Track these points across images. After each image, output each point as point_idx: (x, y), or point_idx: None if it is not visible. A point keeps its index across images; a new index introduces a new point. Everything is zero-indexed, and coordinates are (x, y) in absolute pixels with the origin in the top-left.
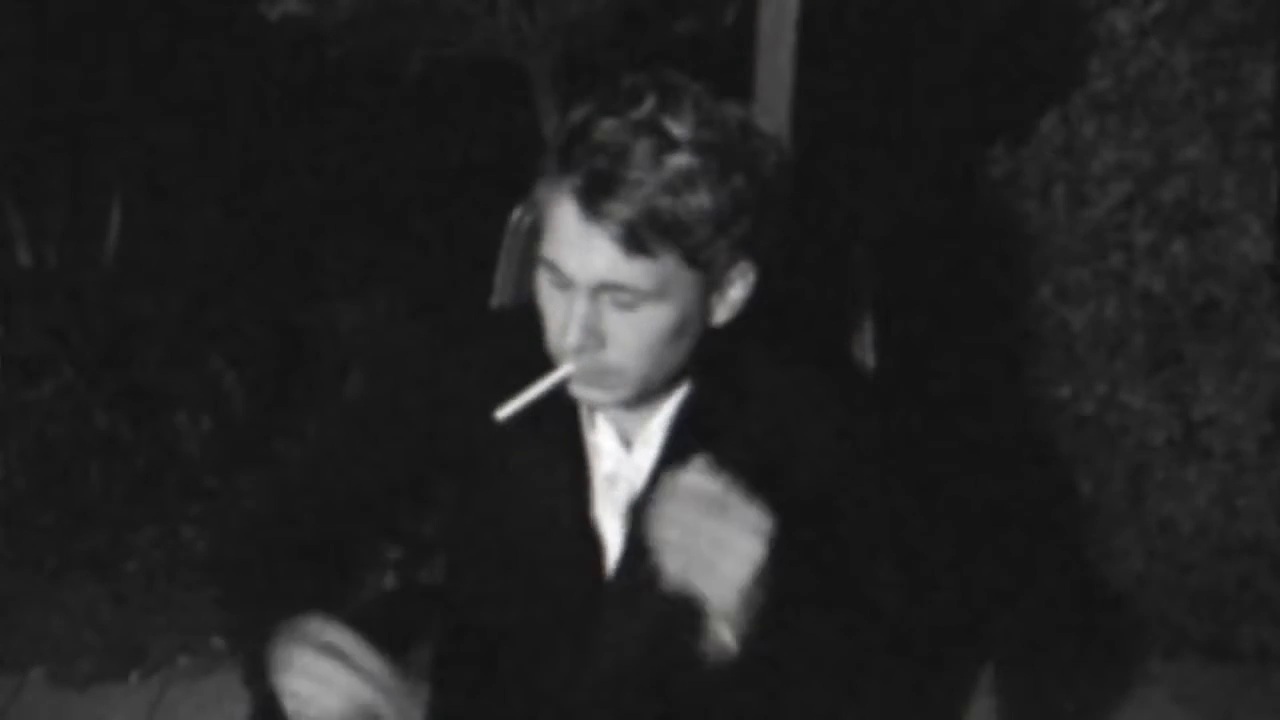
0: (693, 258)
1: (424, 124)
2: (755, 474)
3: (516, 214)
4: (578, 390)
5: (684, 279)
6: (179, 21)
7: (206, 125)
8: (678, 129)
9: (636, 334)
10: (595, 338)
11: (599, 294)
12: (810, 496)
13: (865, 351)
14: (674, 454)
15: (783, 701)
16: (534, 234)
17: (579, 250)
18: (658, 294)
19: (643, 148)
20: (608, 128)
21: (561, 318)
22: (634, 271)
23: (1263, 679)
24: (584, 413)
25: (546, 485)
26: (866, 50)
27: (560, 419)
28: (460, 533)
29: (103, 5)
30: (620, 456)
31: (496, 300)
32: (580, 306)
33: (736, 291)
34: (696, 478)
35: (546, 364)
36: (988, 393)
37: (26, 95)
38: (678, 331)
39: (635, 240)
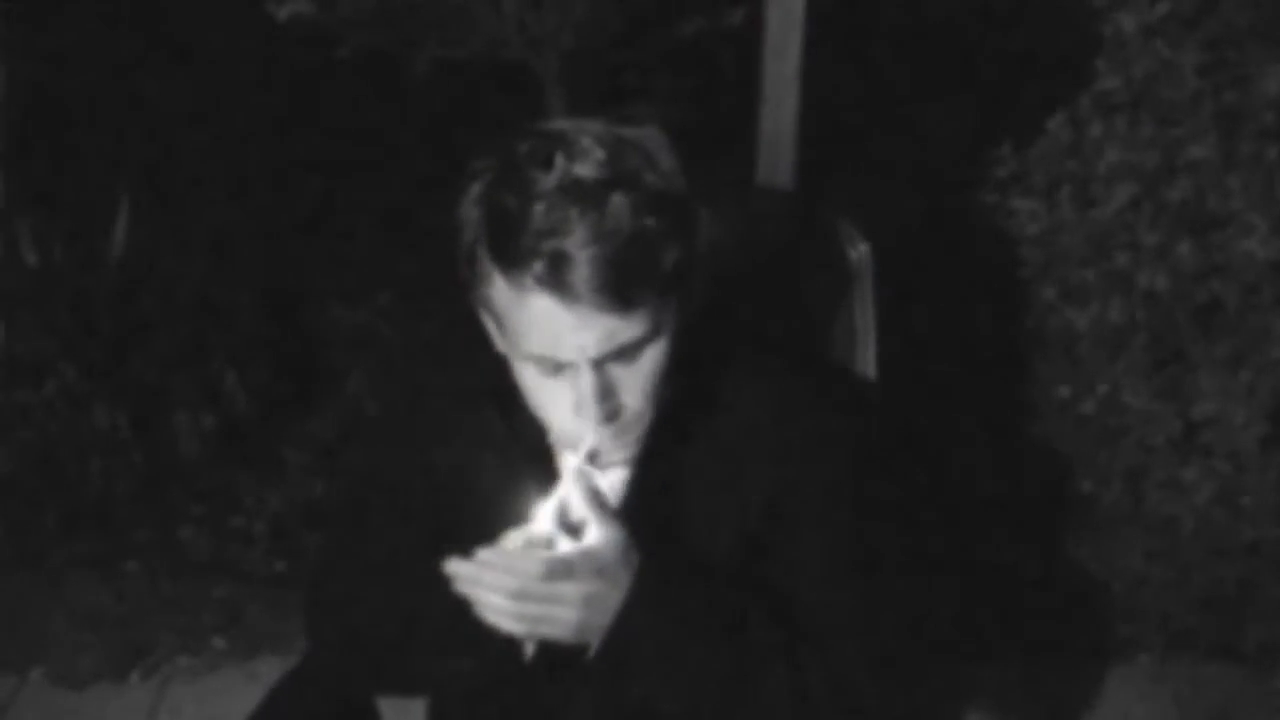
0: (668, 284)
1: (430, 123)
2: (718, 481)
3: None
4: (603, 459)
5: (666, 306)
6: (186, 21)
7: (213, 126)
8: (596, 172)
9: (646, 378)
10: (611, 403)
11: (601, 366)
12: (768, 504)
13: (867, 354)
14: (647, 468)
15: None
16: (489, 313)
17: (571, 335)
18: (654, 333)
19: (583, 210)
20: (539, 211)
21: (567, 401)
22: (632, 327)
23: (1263, 679)
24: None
25: (519, 508)
26: (873, 51)
27: (529, 443)
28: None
29: (108, 5)
30: (595, 474)
31: None
32: (588, 383)
33: (699, 289)
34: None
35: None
36: (989, 392)
37: (32, 95)
38: (672, 356)
39: (623, 299)
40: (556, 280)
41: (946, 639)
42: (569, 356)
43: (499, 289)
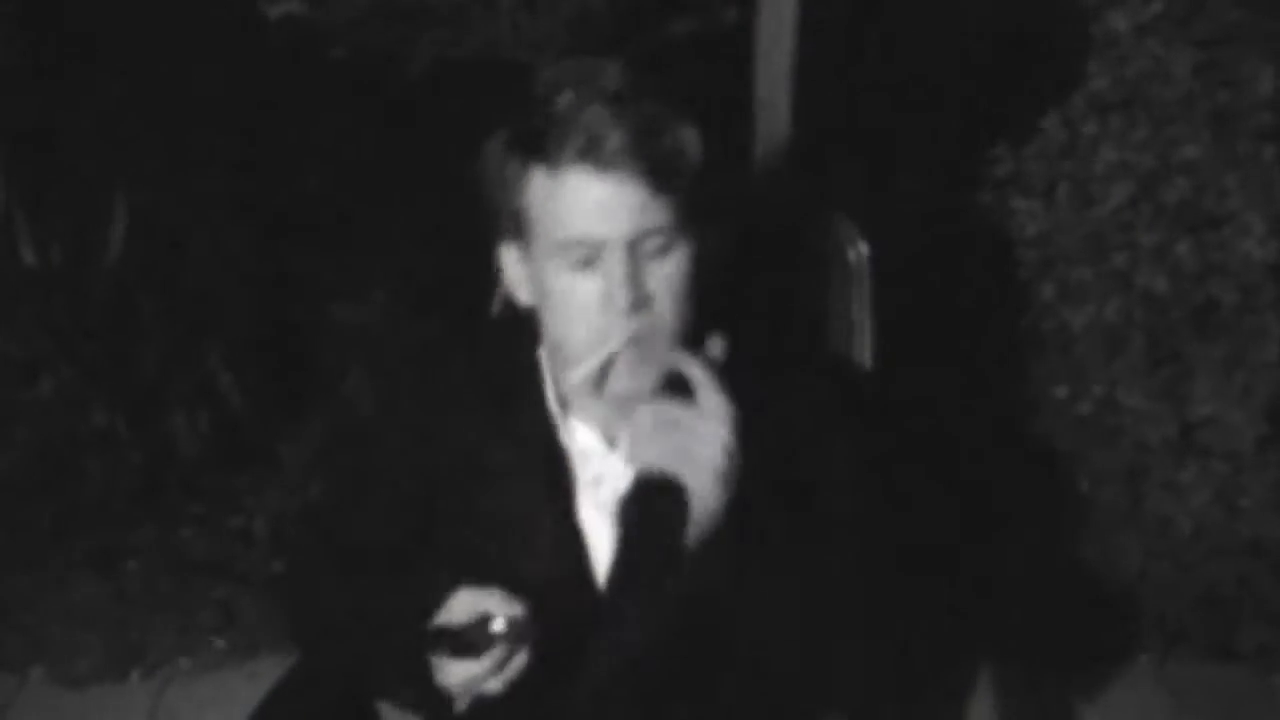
0: (693, 193)
1: (425, 124)
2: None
3: None
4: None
5: (692, 218)
6: (180, 21)
7: (209, 126)
8: (617, 82)
9: (673, 280)
10: (642, 294)
11: (633, 250)
12: (785, 476)
13: (863, 351)
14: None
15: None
16: (521, 235)
17: (608, 210)
18: (681, 229)
19: (611, 106)
20: (566, 103)
21: (596, 298)
22: (661, 211)
23: (1262, 679)
24: (558, 419)
25: (524, 496)
26: (866, 51)
27: (534, 428)
28: (445, 554)
29: (105, 5)
30: (603, 455)
31: (499, 299)
32: (620, 267)
33: (716, 246)
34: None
35: (520, 373)
36: (987, 393)
37: (30, 94)
38: (697, 278)
39: (656, 178)
40: (593, 153)
41: (945, 639)
42: (603, 232)
43: (535, 187)
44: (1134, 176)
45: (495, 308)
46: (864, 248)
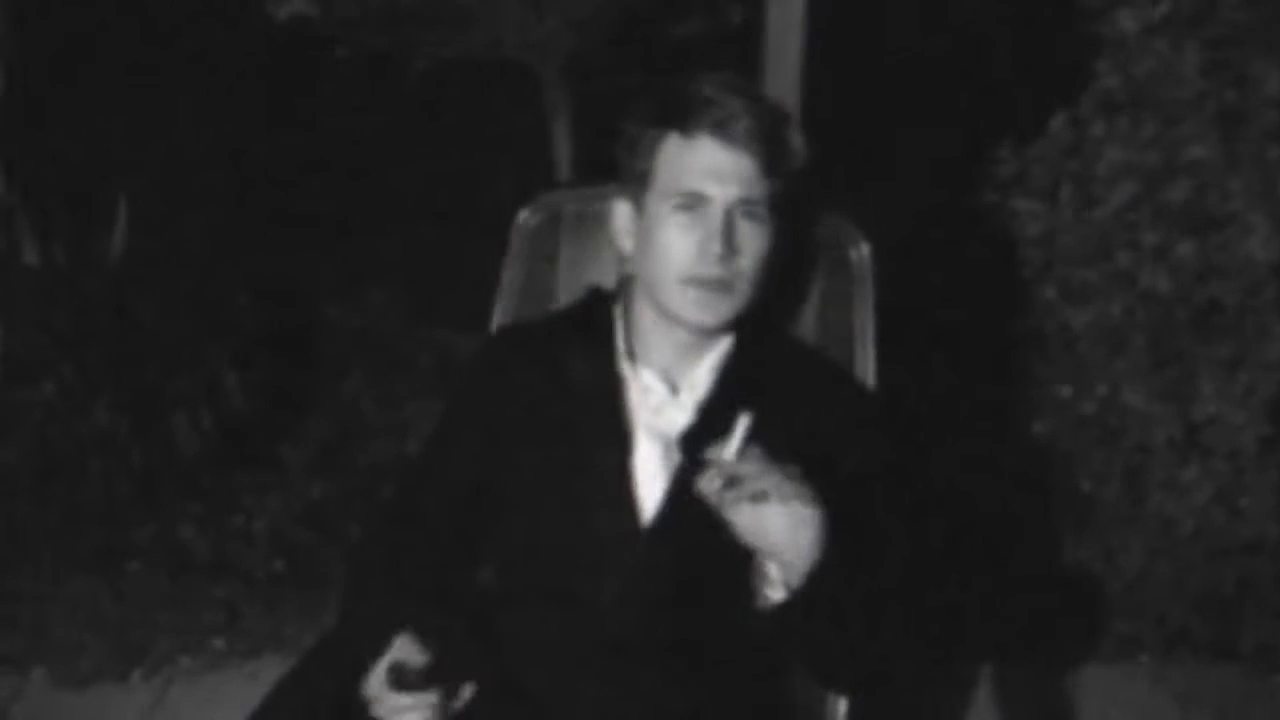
0: (785, 189)
1: (429, 123)
2: (789, 423)
3: (523, 214)
4: (701, 307)
5: (782, 208)
6: (187, 22)
7: (212, 126)
8: (757, 92)
9: (761, 243)
10: (732, 246)
11: (731, 212)
12: (832, 447)
13: (866, 355)
14: (719, 398)
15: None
16: (641, 189)
17: (723, 175)
18: (774, 208)
19: (744, 100)
20: (710, 90)
21: (694, 238)
22: (764, 187)
23: (1263, 679)
24: (625, 363)
25: (587, 433)
26: (873, 51)
27: (603, 366)
28: (508, 491)
29: (111, 5)
30: (666, 398)
31: (500, 296)
32: (719, 221)
33: (778, 247)
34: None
35: (593, 327)
36: (989, 392)
37: (34, 97)
38: (772, 258)
39: (768, 160)
40: (724, 129)
41: (945, 638)
42: (714, 191)
43: (668, 149)
44: (1137, 177)
45: (497, 319)
46: (867, 249)
